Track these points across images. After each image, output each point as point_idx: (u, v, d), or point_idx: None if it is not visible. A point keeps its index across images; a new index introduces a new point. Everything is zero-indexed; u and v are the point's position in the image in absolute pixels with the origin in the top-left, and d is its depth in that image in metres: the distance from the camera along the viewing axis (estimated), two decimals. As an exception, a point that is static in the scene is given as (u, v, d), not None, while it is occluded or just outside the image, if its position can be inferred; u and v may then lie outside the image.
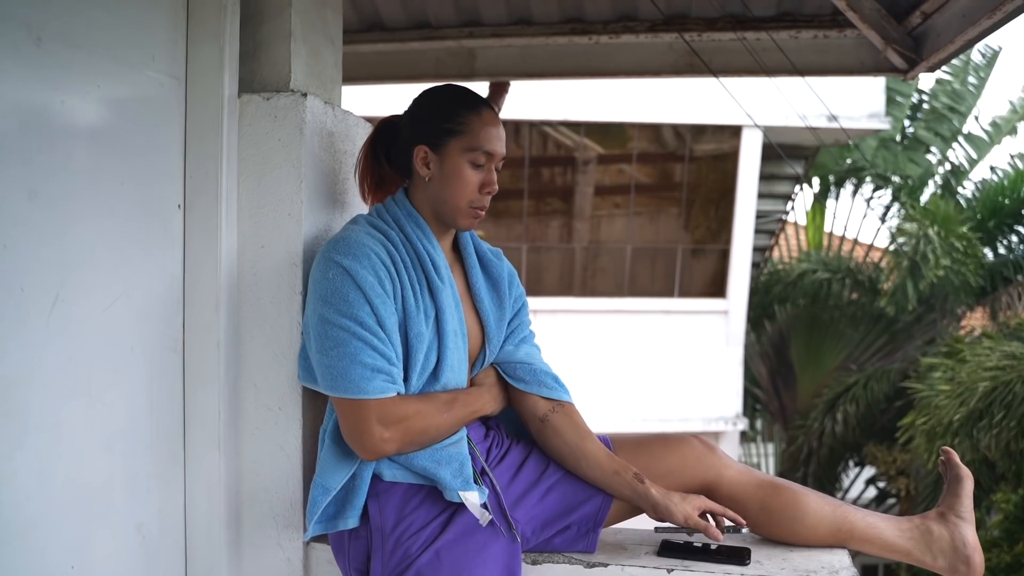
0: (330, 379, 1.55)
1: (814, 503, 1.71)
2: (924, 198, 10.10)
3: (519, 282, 1.86)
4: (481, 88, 3.02)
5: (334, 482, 1.60)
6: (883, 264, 10.25)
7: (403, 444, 1.57)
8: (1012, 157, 9.57)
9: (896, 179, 9.96)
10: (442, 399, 1.64)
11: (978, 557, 1.67)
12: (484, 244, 1.83)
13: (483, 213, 1.68)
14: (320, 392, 1.80)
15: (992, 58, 10.13)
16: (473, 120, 1.65)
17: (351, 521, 1.61)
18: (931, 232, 8.13)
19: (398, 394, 1.57)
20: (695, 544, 1.70)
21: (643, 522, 1.79)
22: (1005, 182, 9.40)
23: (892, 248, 8.90)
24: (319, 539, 1.82)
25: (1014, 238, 9.39)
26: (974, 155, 10.25)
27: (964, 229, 8.50)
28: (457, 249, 1.79)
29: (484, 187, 1.65)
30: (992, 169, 9.58)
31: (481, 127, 1.65)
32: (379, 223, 1.67)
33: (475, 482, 1.62)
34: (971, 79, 10.19)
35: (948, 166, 10.38)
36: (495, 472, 1.70)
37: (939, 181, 10.32)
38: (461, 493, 1.57)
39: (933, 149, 10.48)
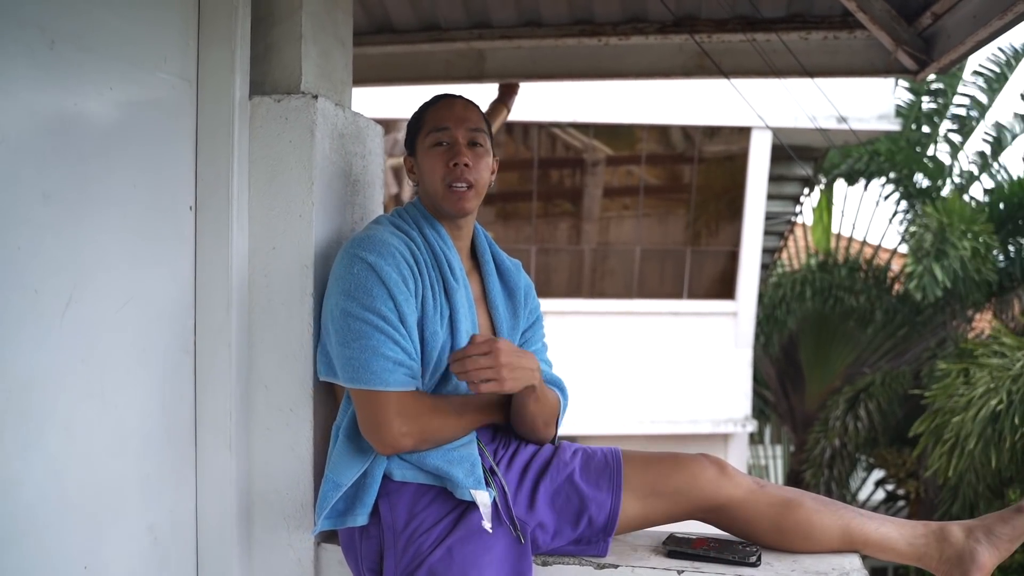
0: (351, 371, 1.56)
1: (827, 520, 1.70)
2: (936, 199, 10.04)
3: (535, 295, 1.88)
4: (491, 90, 3.03)
5: (346, 478, 1.61)
6: (894, 264, 10.20)
7: (419, 440, 1.58)
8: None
9: (908, 180, 9.91)
10: (455, 402, 1.66)
11: None
12: (504, 254, 1.85)
13: (467, 190, 1.68)
14: (332, 393, 1.81)
15: (1015, 59, 10.05)
16: (428, 112, 1.74)
17: (360, 519, 1.62)
18: (951, 223, 8.05)
19: (417, 390, 1.59)
20: (701, 552, 1.69)
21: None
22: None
23: (912, 236, 8.76)
24: (329, 539, 1.82)
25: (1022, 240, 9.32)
26: (988, 155, 10.19)
27: (982, 226, 8.42)
28: (475, 256, 1.82)
29: (450, 160, 1.68)
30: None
31: (433, 113, 1.73)
32: (401, 223, 1.72)
33: (485, 483, 1.63)
34: (990, 81, 10.13)
35: (961, 168, 10.32)
36: (504, 476, 1.69)
37: (954, 182, 10.25)
38: (472, 492, 1.57)
39: (944, 150, 10.44)
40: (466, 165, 1.67)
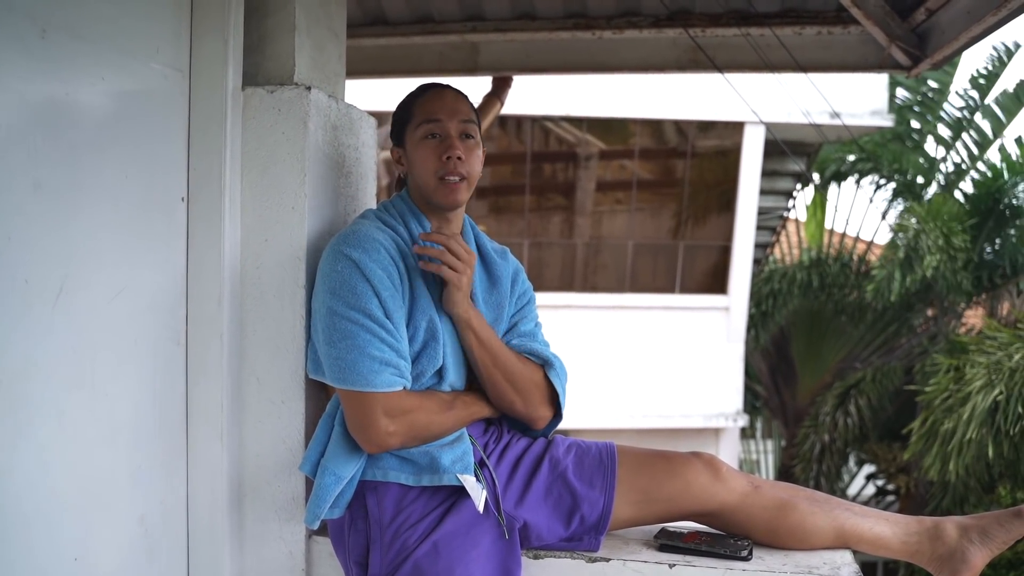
0: (337, 371, 1.55)
1: (821, 521, 1.70)
2: (927, 195, 10.05)
3: (525, 278, 1.86)
4: (484, 83, 3.03)
5: (347, 470, 1.60)
6: (875, 258, 10.23)
7: (406, 438, 1.58)
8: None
9: (899, 176, 9.93)
10: (443, 398, 1.65)
11: None
12: (490, 243, 1.83)
13: (458, 183, 1.67)
14: (323, 386, 1.81)
15: (1007, 55, 10.06)
16: (417, 103, 1.72)
17: (337, 512, 1.62)
18: (928, 228, 8.09)
19: (404, 388, 1.58)
20: (692, 546, 1.69)
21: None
22: (1004, 173, 9.31)
23: (890, 240, 8.85)
24: (320, 531, 1.82)
25: (1011, 232, 9.32)
26: (976, 152, 10.21)
27: (964, 226, 8.44)
28: None
29: (443, 154, 1.66)
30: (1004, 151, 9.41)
31: (423, 104, 1.71)
32: (387, 217, 1.70)
33: (475, 477, 1.63)
34: (981, 76, 10.14)
35: (951, 164, 10.34)
36: (494, 469, 1.69)
37: (941, 180, 10.27)
38: (459, 476, 1.57)
39: (933, 144, 10.45)
40: (459, 158, 1.66)
